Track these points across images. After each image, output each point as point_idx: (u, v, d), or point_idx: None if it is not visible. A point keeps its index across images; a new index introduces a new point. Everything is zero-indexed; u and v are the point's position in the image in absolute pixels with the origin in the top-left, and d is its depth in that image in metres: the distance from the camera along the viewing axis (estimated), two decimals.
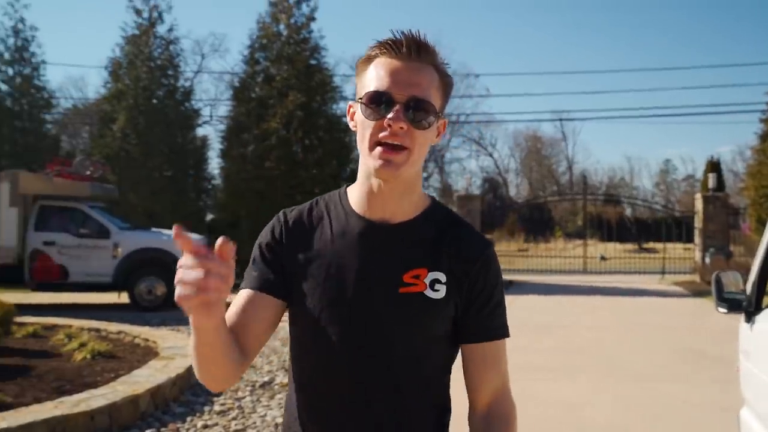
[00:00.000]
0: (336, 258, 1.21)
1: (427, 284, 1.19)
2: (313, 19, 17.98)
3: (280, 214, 1.29)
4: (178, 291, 0.95)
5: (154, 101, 17.99)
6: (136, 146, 17.27)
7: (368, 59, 1.20)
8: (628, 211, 37.51)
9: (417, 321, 1.18)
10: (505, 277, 17.04)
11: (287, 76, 17.07)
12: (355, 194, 1.26)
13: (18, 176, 11.47)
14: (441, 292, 1.19)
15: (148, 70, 18.02)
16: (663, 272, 19.05)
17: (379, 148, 1.15)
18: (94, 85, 49.01)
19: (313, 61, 17.77)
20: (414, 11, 60.32)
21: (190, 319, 1.02)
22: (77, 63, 61.99)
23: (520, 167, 49.83)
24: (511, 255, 21.63)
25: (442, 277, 1.20)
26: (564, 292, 14.65)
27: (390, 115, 1.13)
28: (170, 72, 18.71)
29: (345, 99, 18.42)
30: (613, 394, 5.84)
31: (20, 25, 20.66)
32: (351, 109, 1.24)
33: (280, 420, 4.54)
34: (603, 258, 24.26)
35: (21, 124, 20.20)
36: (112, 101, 18.19)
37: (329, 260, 1.21)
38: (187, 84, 19.72)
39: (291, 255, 1.23)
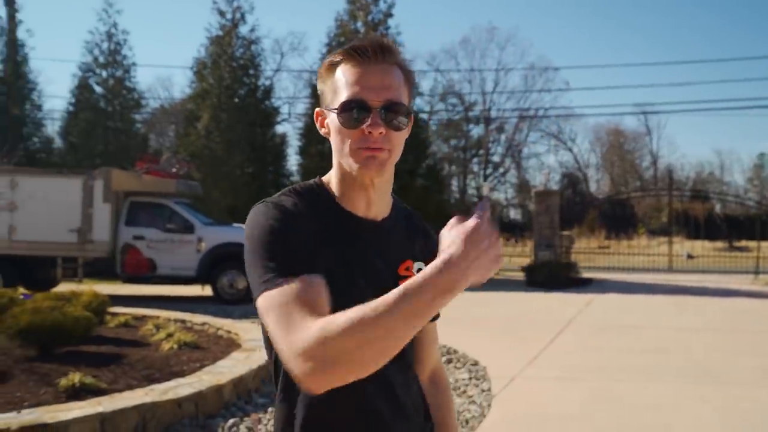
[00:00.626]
0: (338, 254, 1.22)
1: (416, 274, 1.20)
2: (390, 15, 18.06)
3: (272, 203, 1.22)
4: (495, 257, 1.00)
5: (236, 100, 18.54)
6: (218, 144, 17.85)
7: (331, 65, 1.22)
8: (717, 208, 35.79)
9: None
10: (585, 274, 16.65)
11: None
12: (337, 191, 1.28)
13: (111, 174, 12.06)
14: None
15: (230, 69, 18.59)
16: (757, 272, 18.06)
17: (359, 151, 1.19)
18: (180, 85, 51.03)
19: None
20: (490, 5, 59.59)
21: (458, 286, 0.99)
22: (164, 64, 64.62)
23: (601, 162, 48.43)
24: (592, 252, 21.04)
25: (422, 265, 1.29)
26: (648, 291, 14.13)
27: (368, 123, 1.17)
28: (251, 71, 19.23)
29: (421, 95, 18.39)
30: (702, 398, 5.59)
31: (113, 30, 21.74)
32: (320, 117, 1.27)
33: None
34: (690, 256, 23.26)
35: (113, 124, 21.26)
36: (197, 100, 18.86)
37: (333, 257, 1.20)
38: (267, 83, 20.19)
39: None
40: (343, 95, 1.19)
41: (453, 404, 1.51)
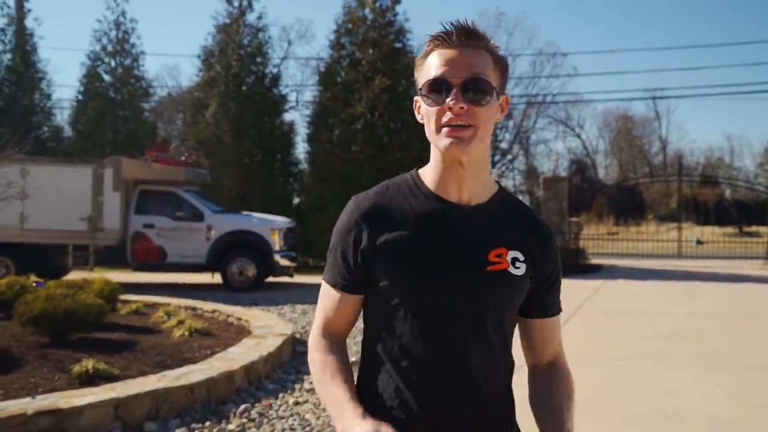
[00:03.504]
0: (424, 239, 1.27)
1: (509, 262, 1.30)
2: (398, 2, 17.93)
3: (353, 202, 1.33)
4: None
5: (244, 88, 18.50)
6: (227, 132, 17.84)
7: (425, 55, 1.28)
8: (727, 193, 35.56)
9: (503, 295, 1.31)
10: (594, 261, 16.61)
11: (372, 60, 17.15)
12: (430, 178, 1.32)
13: (120, 162, 12.10)
14: (521, 269, 1.31)
15: (238, 57, 18.53)
16: (767, 257, 17.98)
17: (445, 129, 1.23)
18: (187, 73, 50.81)
19: (398, 45, 17.74)
20: None
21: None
22: (172, 52, 64.54)
23: (610, 148, 48.13)
24: (600, 238, 20.96)
25: (520, 255, 1.31)
26: (657, 277, 14.10)
27: (450, 99, 1.21)
28: (259, 59, 19.17)
29: None
30: (712, 382, 5.60)
31: (121, 18, 21.70)
32: (417, 104, 1.31)
33: None
34: (699, 242, 23.16)
35: (122, 113, 21.29)
36: (205, 88, 18.83)
37: (417, 242, 1.27)
38: (275, 70, 20.12)
39: (374, 241, 1.28)
40: (429, 77, 1.25)
41: (569, 395, 1.43)
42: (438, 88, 1.23)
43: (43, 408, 3.87)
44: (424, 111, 1.27)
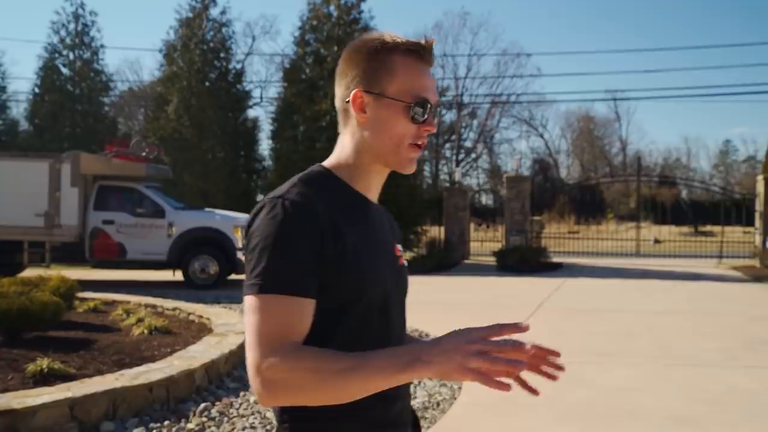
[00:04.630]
0: (368, 238, 1.26)
1: (401, 254, 1.39)
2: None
3: (291, 202, 1.18)
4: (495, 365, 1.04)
5: (207, 83, 18.30)
6: (189, 128, 17.64)
7: (384, 48, 1.24)
8: (683, 194, 36.48)
9: (407, 286, 1.40)
10: (555, 259, 16.87)
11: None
12: (355, 178, 1.29)
13: (79, 157, 11.86)
14: (404, 260, 1.40)
15: (201, 52, 18.33)
16: (720, 256, 18.50)
17: (412, 146, 1.25)
18: (149, 67, 50.18)
19: None
20: None
21: (437, 370, 1.06)
22: (133, 46, 63.43)
23: (572, 148, 48.98)
24: (562, 237, 21.30)
25: (401, 248, 1.40)
26: (616, 275, 14.39)
27: (429, 122, 1.24)
28: (222, 54, 18.99)
29: None
30: (667, 379, 5.74)
31: (80, 11, 21.25)
32: (362, 99, 1.24)
33: None
34: (657, 241, 23.70)
35: (81, 107, 20.85)
36: (167, 83, 18.58)
37: (364, 241, 1.24)
38: (239, 66, 19.95)
39: (330, 244, 1.18)
40: (411, 90, 1.23)
41: None
42: (425, 108, 1.23)
43: None
44: (394, 117, 1.23)
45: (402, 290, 1.35)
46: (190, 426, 4.34)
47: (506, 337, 1.09)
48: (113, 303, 8.09)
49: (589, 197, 33.26)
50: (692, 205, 33.32)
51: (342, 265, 1.18)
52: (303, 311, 1.15)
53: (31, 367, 4.56)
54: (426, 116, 1.24)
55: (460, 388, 5.42)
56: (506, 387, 1.05)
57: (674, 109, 71.18)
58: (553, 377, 1.31)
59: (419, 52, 1.24)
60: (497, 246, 18.05)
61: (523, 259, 15.37)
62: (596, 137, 47.75)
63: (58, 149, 16.38)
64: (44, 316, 5.66)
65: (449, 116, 40.99)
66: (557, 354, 1.31)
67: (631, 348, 7.02)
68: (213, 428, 4.37)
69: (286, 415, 1.21)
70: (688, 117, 65.99)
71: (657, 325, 8.41)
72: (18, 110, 24.69)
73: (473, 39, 50.85)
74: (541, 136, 46.98)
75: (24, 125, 22.07)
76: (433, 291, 11.01)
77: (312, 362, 1.09)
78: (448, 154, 42.20)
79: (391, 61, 1.23)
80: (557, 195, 30.12)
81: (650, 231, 25.24)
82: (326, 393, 1.10)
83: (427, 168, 39.21)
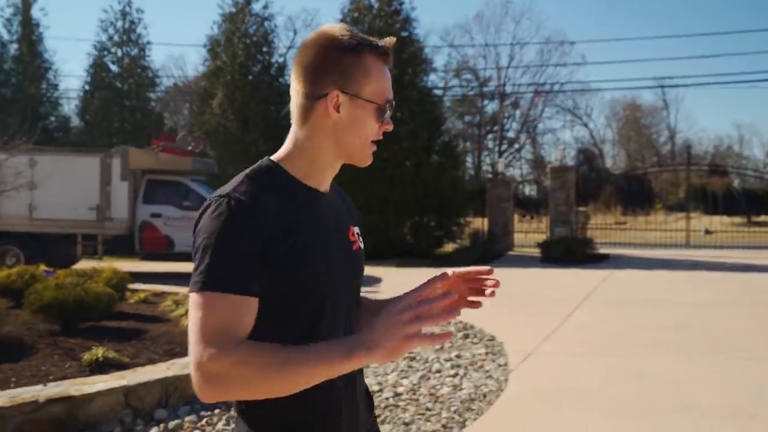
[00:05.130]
0: (316, 230, 1.26)
1: (358, 238, 1.40)
2: None
3: (236, 201, 1.19)
4: (423, 325, 1.07)
5: (250, 77, 18.49)
6: (233, 121, 17.86)
7: (359, 51, 1.25)
8: (736, 183, 35.39)
9: (362, 269, 1.42)
10: (602, 250, 16.57)
11: None
12: (304, 171, 1.29)
13: (128, 152, 12.13)
14: (362, 243, 1.42)
15: (244, 47, 18.52)
16: None
17: (371, 143, 1.31)
18: (193, 63, 50.93)
19: (404, 34, 17.68)
20: None
21: (379, 354, 1.08)
22: (177, 42, 64.53)
23: (617, 137, 47.95)
24: (608, 228, 20.90)
25: (357, 230, 1.42)
26: (665, 267, 14.06)
27: (389, 123, 1.31)
28: (265, 48, 19.16)
29: (435, 71, 18.23)
30: (722, 372, 5.58)
31: (128, 8, 21.71)
32: (337, 99, 1.25)
33: None
34: (707, 231, 23.07)
35: (129, 103, 21.33)
36: (211, 78, 18.84)
37: (312, 233, 1.25)
38: (281, 60, 20.10)
39: (278, 240, 1.19)
40: (382, 92, 1.28)
41: None
42: (388, 107, 1.29)
43: (55, 395, 3.90)
44: (364, 117, 1.27)
45: (355, 274, 1.37)
46: None
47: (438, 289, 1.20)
48: (162, 294, 8.27)
49: (635, 187, 32.52)
50: (745, 195, 32.30)
51: (290, 264, 1.19)
52: (244, 309, 1.15)
53: (87, 356, 4.70)
54: (386, 115, 1.29)
55: (506, 379, 5.38)
56: (448, 336, 1.10)
57: (725, 96, 68.99)
58: (491, 295, 1.37)
59: (387, 54, 1.28)
60: (541, 237, 17.82)
61: (569, 251, 15.14)
62: (643, 126, 46.63)
63: (108, 144, 16.79)
64: (98, 307, 5.82)
65: (491, 107, 40.61)
66: (489, 271, 1.37)
67: (683, 340, 6.86)
68: None
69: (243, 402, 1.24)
70: (740, 103, 63.82)
71: (709, 317, 8.19)
72: (69, 107, 25.45)
73: (516, 28, 50.48)
74: (586, 125, 46.15)
75: (75, 122, 22.69)
76: None
77: (255, 356, 1.10)
78: (490, 144, 41.81)
79: (364, 62, 1.25)
80: (603, 185, 29.58)
81: (701, 221, 24.58)
82: (270, 385, 1.11)
83: (469, 159, 38.97)
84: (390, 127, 1.32)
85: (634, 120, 46.35)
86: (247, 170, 1.27)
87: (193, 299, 1.15)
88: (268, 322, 1.19)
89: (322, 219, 1.30)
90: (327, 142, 1.28)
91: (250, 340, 1.15)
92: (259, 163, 1.30)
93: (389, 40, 1.30)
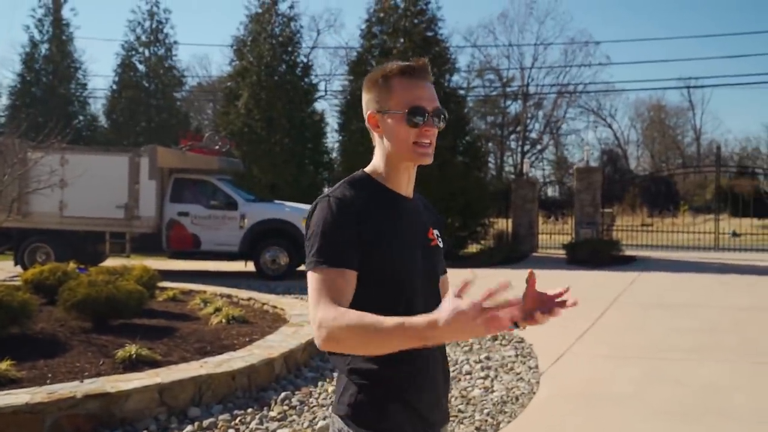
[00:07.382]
0: (397, 226, 1.61)
1: (437, 238, 1.72)
2: None
3: (338, 200, 1.56)
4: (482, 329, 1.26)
5: (276, 77, 18.54)
6: (258, 121, 17.92)
7: (384, 77, 1.60)
8: (764, 184, 34.75)
9: (440, 263, 1.74)
10: (628, 252, 16.37)
11: (404, 49, 17.02)
12: (387, 177, 1.64)
13: (156, 151, 12.23)
14: (440, 242, 1.74)
15: (270, 47, 18.57)
16: None
17: (415, 146, 1.59)
18: (217, 63, 51.25)
19: (429, 33, 17.62)
20: None
21: (434, 341, 1.33)
22: (203, 42, 65.04)
23: (642, 138, 47.36)
24: (634, 230, 20.63)
25: (437, 231, 1.74)
26: (693, 269, 13.84)
27: (425, 124, 1.58)
28: (290, 48, 19.20)
29: (458, 71, 18.12)
30: (758, 377, 5.47)
31: (155, 9, 21.91)
32: (375, 118, 1.62)
33: None
34: (735, 234, 22.67)
35: (155, 102, 21.52)
36: (237, 78, 18.92)
37: (395, 226, 1.60)
38: (306, 60, 20.15)
39: (367, 229, 1.55)
40: (406, 102, 1.57)
41: None
42: (420, 113, 1.57)
43: (92, 392, 3.93)
44: (397, 127, 1.58)
45: (432, 265, 1.68)
46: (272, 414, 4.41)
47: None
48: (190, 292, 8.32)
49: (661, 189, 32.09)
50: None
51: (373, 243, 1.54)
52: (347, 280, 1.51)
53: (120, 353, 4.73)
54: (425, 120, 1.57)
55: (538, 382, 5.32)
56: (505, 322, 1.34)
57: (753, 96, 67.74)
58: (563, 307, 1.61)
59: (411, 72, 1.58)
60: (566, 239, 17.65)
61: (595, 252, 14.96)
62: (668, 127, 46.01)
63: (135, 144, 16.94)
64: (129, 305, 5.87)
65: (514, 107, 40.32)
66: (562, 293, 1.62)
67: (716, 344, 6.73)
68: (294, 417, 4.43)
69: (350, 364, 1.56)
70: (767, 104, 62.58)
71: (742, 320, 8.04)
72: (96, 107, 25.74)
73: (540, 28, 49.74)
74: (610, 126, 45.63)
75: (102, 121, 22.95)
76: None
77: (356, 321, 1.38)
78: (513, 145, 41.53)
79: (390, 84, 1.59)
80: (627, 186, 29.20)
81: (729, 224, 24.15)
82: (373, 342, 1.38)
83: (491, 160, 38.74)
84: (431, 128, 1.58)
85: (658, 121, 45.75)
86: (347, 177, 1.64)
87: (310, 276, 1.51)
88: (362, 296, 1.51)
89: (402, 214, 1.64)
90: (385, 151, 1.63)
91: (353, 310, 1.43)
92: (354, 173, 1.67)
93: (421, 60, 1.60)
